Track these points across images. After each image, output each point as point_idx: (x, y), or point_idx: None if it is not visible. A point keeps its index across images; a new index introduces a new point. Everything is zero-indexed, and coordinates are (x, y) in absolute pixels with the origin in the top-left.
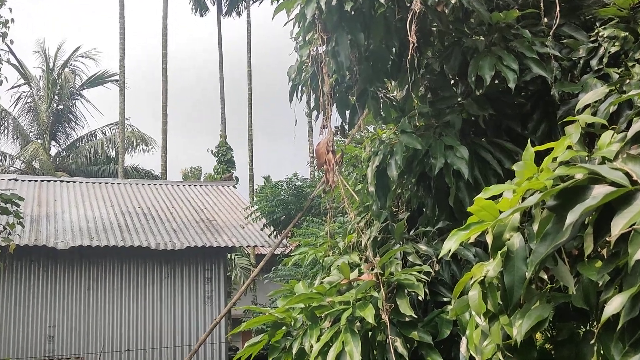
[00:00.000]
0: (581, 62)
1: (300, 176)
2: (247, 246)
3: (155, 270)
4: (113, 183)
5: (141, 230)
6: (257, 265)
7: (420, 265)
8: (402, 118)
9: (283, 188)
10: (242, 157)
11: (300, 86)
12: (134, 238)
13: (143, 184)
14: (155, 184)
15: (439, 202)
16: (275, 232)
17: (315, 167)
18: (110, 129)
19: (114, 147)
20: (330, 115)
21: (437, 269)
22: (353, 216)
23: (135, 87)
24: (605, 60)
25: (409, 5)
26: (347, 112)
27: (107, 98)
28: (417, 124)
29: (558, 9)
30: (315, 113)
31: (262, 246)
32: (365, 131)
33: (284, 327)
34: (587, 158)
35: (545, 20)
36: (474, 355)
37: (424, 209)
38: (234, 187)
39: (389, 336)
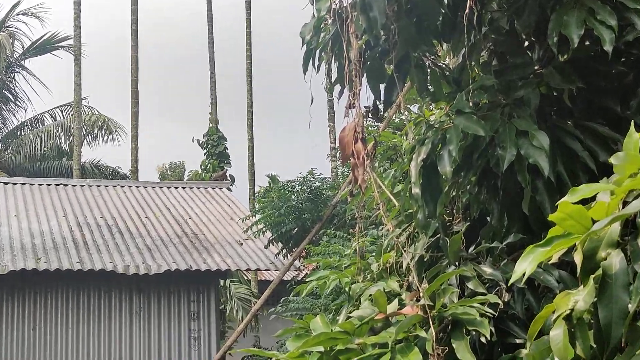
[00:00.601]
0: None
1: (318, 174)
2: (247, 270)
3: (123, 302)
4: (67, 185)
5: (104, 249)
6: (261, 296)
7: (483, 294)
8: (458, 94)
9: (295, 190)
10: (240, 150)
11: (317, 51)
12: (95, 259)
13: (107, 186)
14: (123, 186)
15: (509, 209)
16: (284, 251)
17: (339, 162)
18: (62, 112)
19: (68, 137)
20: (359, 90)
21: (506, 300)
22: (391, 228)
23: (96, 57)
24: None
25: None
26: (382, 87)
27: (57, 71)
28: (479, 101)
29: None
30: (338, 88)
31: (266, 270)
32: (406, 112)
33: None
34: None
35: None
36: None
37: (488, 218)
38: (229, 189)
39: None
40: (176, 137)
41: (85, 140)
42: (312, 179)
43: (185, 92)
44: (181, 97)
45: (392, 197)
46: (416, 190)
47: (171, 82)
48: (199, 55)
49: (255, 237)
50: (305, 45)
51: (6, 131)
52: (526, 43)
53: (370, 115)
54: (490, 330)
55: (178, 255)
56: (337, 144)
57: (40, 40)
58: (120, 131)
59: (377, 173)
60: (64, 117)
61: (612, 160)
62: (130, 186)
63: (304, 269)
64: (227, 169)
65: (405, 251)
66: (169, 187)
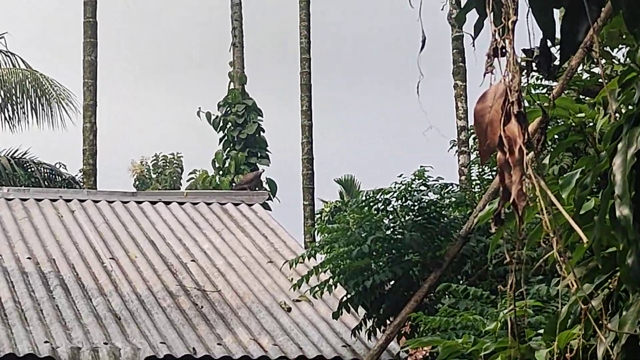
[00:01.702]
0: None
1: (432, 179)
2: (300, 359)
3: None
4: None
5: (35, 318)
6: None
7: None
8: None
9: (390, 209)
10: (283, 134)
11: None
12: (18, 336)
13: (40, 200)
14: (69, 200)
15: None
16: (371, 323)
17: (474, 157)
18: None
19: None
20: (514, 22)
21: None
22: (573, 282)
23: None
24: None
25: None
26: (558, 15)
27: None
28: None
29: None
30: (473, 17)
31: (337, 357)
32: (604, 62)
33: None
34: None
35: None
36: None
37: None
38: (266, 205)
39: None
40: (166, 113)
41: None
42: (422, 188)
43: (180, 40)
44: (174, 48)
45: (574, 224)
46: (624, 210)
47: (156, 23)
48: None
49: (315, 296)
50: None
51: None
52: None
53: (535, 69)
54: None
55: (171, 330)
56: (471, 124)
57: None
58: (64, 99)
59: (548, 178)
60: None
61: None
62: (83, 200)
63: (409, 357)
64: (262, 169)
65: (603, 327)
66: (154, 203)
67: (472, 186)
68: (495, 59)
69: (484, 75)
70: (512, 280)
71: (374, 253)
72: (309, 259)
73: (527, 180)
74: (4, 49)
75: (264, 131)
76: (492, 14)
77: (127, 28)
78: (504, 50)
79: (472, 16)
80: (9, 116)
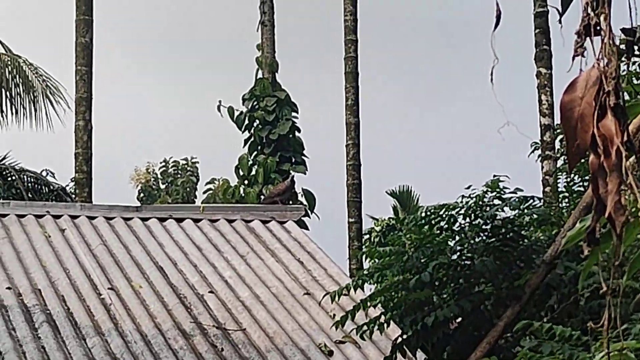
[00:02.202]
0: None
1: (509, 191)
2: None
3: None
4: None
5: None
6: None
7: None
8: None
9: (456, 228)
10: (327, 136)
11: None
12: None
13: (22, 216)
14: (59, 217)
15: None
16: None
17: (561, 162)
18: None
19: None
20: None
21: None
22: None
23: None
24: None
25: None
26: None
27: None
28: None
29: None
30: None
31: None
32: None
33: None
34: None
35: None
36: None
37: None
38: (303, 223)
39: None
40: (178, 108)
41: None
42: (496, 202)
43: (195, 18)
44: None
45: None
46: None
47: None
48: None
49: (363, 336)
50: None
51: None
52: None
53: (636, 53)
54: None
55: None
56: (558, 121)
57: None
58: (53, 93)
59: None
60: None
61: None
62: (75, 216)
63: None
64: (292, 175)
65: None
66: (162, 220)
67: (559, 200)
68: (587, 39)
69: (573, 59)
70: (607, 316)
71: (437, 283)
72: (355, 290)
73: (626, 190)
74: None
75: (299, 130)
76: None
77: (129, 2)
78: (597, 29)
79: None
80: None
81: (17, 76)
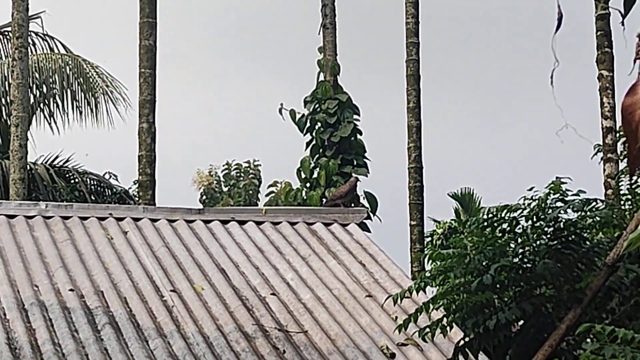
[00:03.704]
0: None
1: (570, 193)
2: None
3: None
4: None
5: None
6: None
7: None
8: None
9: (519, 231)
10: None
11: None
12: None
13: (86, 219)
14: (122, 219)
15: None
16: None
17: (624, 165)
18: None
19: None
20: None
21: None
22: None
23: None
24: None
25: None
26: None
27: None
28: None
29: None
30: None
31: None
32: None
33: None
34: None
35: None
36: None
37: None
38: (364, 225)
39: None
40: (240, 111)
41: (35, 111)
42: (558, 204)
43: (258, 20)
44: (250, 30)
45: None
46: None
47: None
48: None
49: (426, 339)
50: None
51: None
52: None
53: None
54: None
55: None
56: (620, 123)
57: None
58: (118, 97)
59: None
60: None
61: None
62: (138, 219)
63: None
64: (357, 179)
65: None
66: (225, 222)
67: (622, 202)
68: None
69: (634, 62)
70: None
71: (498, 286)
72: (417, 292)
73: None
74: (40, 32)
75: (361, 133)
76: None
77: (191, 5)
78: None
79: None
80: (49, 113)
81: (79, 76)
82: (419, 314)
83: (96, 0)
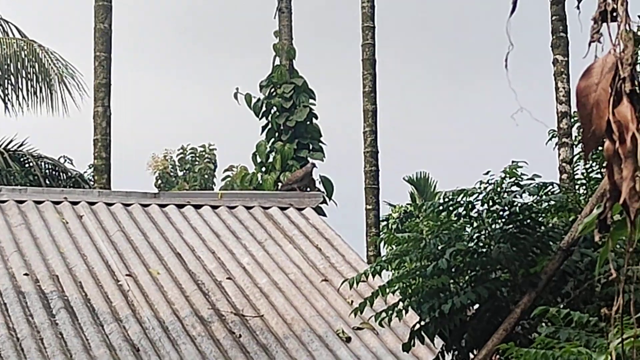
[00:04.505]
0: None
1: (525, 178)
2: None
3: None
4: None
5: (33, 350)
6: None
7: None
8: None
9: (474, 215)
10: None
11: None
12: None
13: (40, 203)
14: (77, 203)
15: None
16: (451, 357)
17: (577, 149)
18: None
19: None
20: None
21: None
22: None
23: None
24: None
25: None
26: None
27: None
28: None
29: None
30: None
31: None
32: None
33: None
34: None
35: None
36: None
37: None
38: (320, 209)
39: None
40: (195, 95)
41: None
42: (514, 189)
43: (213, 4)
44: (205, 15)
45: None
46: None
47: None
48: None
49: (381, 323)
50: None
51: None
52: None
53: None
54: None
55: None
56: (575, 107)
57: None
58: (74, 82)
59: None
60: None
61: None
62: (93, 203)
63: None
64: (313, 164)
65: None
66: (180, 207)
67: (576, 186)
68: (604, 24)
69: (589, 45)
70: (620, 303)
71: (454, 270)
72: (373, 277)
73: None
74: None
75: (317, 117)
76: None
77: None
78: (614, 15)
79: None
80: (3, 97)
81: (34, 61)
82: (374, 298)
83: None
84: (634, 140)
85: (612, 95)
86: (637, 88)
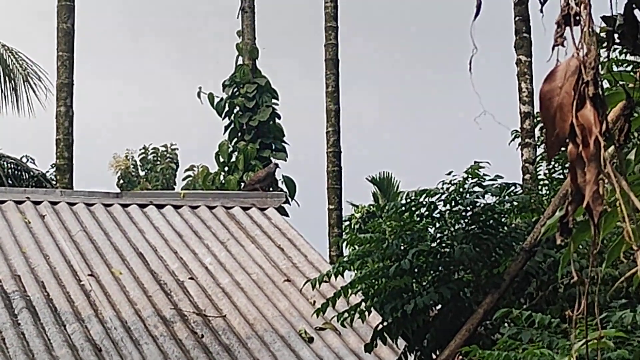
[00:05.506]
0: None
1: (489, 178)
2: None
3: None
4: None
5: None
6: None
7: None
8: None
9: (437, 215)
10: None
11: None
12: None
13: (2, 203)
14: (39, 202)
15: None
16: (413, 358)
17: (540, 151)
18: None
19: None
20: None
21: None
22: None
23: None
24: None
25: None
26: None
27: None
28: None
29: None
30: None
31: None
32: None
33: None
34: None
35: None
36: None
37: None
38: (283, 209)
39: None
40: (158, 95)
41: None
42: (476, 189)
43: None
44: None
45: None
46: None
47: None
48: None
49: (344, 324)
50: None
51: None
52: None
53: (617, 42)
54: None
55: None
56: (538, 108)
57: None
58: (37, 81)
59: (632, 177)
60: None
61: None
62: (55, 202)
63: None
64: (276, 164)
65: None
66: (143, 206)
67: (539, 187)
68: (567, 28)
69: (553, 49)
70: (584, 304)
71: (417, 270)
72: (335, 277)
73: (605, 179)
74: None
75: (279, 117)
76: None
77: None
78: (577, 18)
79: None
80: None
81: None
82: (337, 298)
83: None
84: (598, 143)
85: (575, 98)
86: (600, 92)
